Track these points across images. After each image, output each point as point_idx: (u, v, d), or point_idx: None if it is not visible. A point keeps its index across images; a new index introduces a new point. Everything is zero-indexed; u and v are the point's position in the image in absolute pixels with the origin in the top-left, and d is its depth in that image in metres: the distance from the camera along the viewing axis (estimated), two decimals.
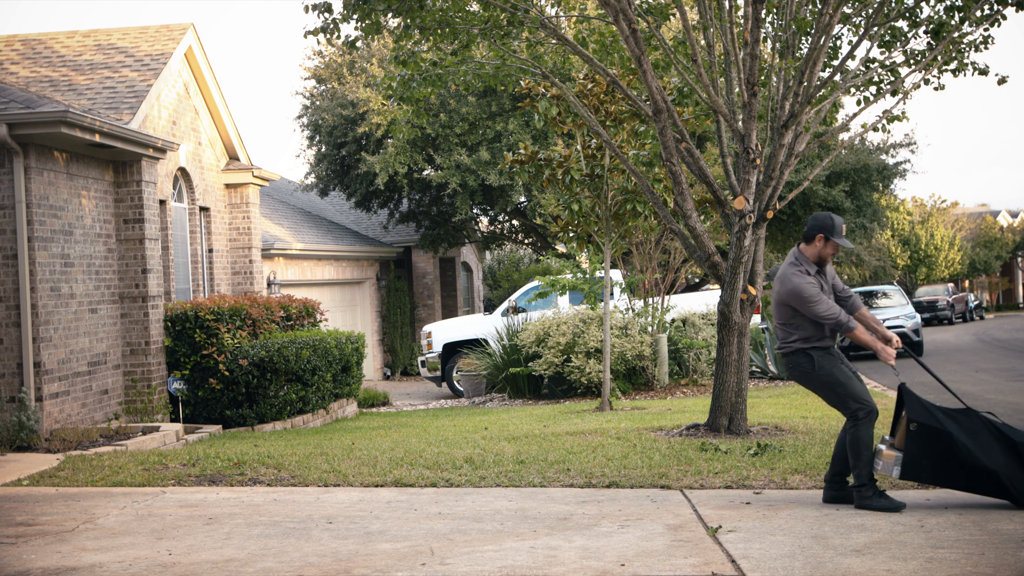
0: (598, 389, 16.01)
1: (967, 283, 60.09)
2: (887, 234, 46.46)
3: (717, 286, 17.85)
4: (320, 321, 16.76)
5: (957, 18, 10.27)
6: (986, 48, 10.73)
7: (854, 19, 10.69)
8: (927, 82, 10.77)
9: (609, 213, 13.86)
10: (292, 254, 22.05)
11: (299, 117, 27.59)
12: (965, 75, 10.77)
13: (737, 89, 9.96)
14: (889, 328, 24.28)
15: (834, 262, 38.16)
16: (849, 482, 6.72)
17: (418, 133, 17.13)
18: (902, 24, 10.59)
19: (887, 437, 6.73)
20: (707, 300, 19.60)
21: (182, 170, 15.49)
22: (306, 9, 9.83)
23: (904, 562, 5.27)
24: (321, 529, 6.34)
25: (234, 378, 13.58)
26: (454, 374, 20.02)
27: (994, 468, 6.40)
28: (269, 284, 19.98)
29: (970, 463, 6.44)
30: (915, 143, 28.23)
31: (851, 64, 10.46)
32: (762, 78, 10.55)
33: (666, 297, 18.19)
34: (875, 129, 10.95)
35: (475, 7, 10.51)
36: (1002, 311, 59.29)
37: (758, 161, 9.69)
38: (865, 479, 6.54)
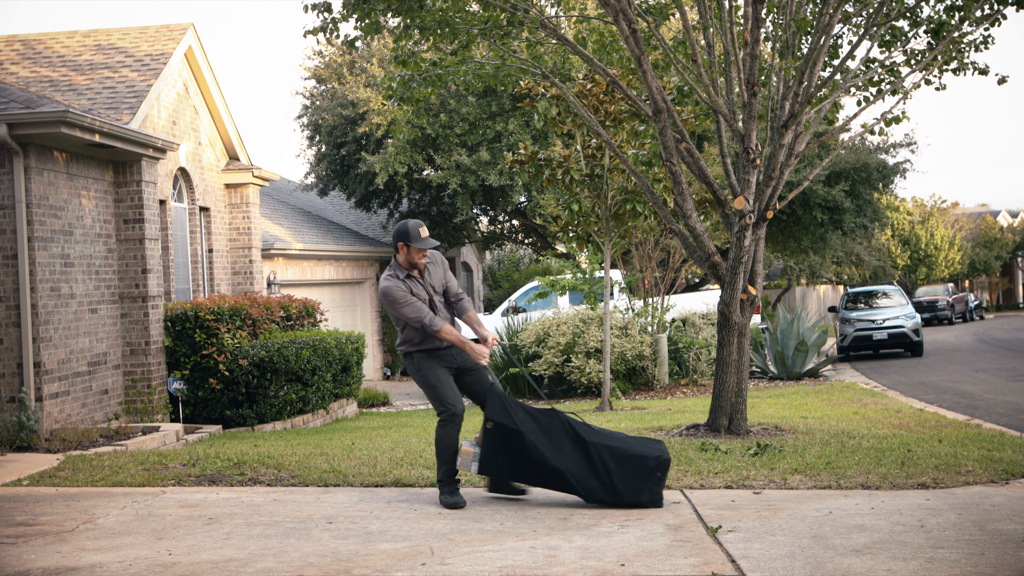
0: (598, 389, 16.00)
1: (967, 283, 60.10)
2: (887, 234, 46.46)
3: (717, 286, 17.86)
4: (320, 321, 16.75)
5: (957, 18, 10.26)
6: (986, 48, 10.72)
7: (854, 19, 10.69)
8: (927, 82, 10.77)
9: (609, 213, 13.86)
10: (292, 254, 22.04)
11: (299, 117, 27.60)
12: (965, 75, 10.77)
13: (737, 89, 9.96)
14: (889, 328, 24.70)
15: (835, 262, 38.15)
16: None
17: (418, 133, 17.13)
18: (902, 24, 10.59)
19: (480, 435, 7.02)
20: (707, 300, 19.60)
21: (182, 170, 15.49)
22: (305, 9, 9.83)
23: (904, 562, 5.26)
24: (321, 529, 6.34)
25: (234, 378, 13.58)
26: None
27: (561, 467, 6.74)
28: (269, 284, 19.98)
29: (540, 461, 6.76)
30: (915, 143, 28.27)
31: (851, 64, 10.46)
32: (762, 78, 10.54)
33: (666, 297, 18.19)
34: (873, 132, 10.94)
35: (475, 7, 10.50)
36: (1002, 311, 59.30)
37: (758, 161, 9.68)
38: (442, 476, 6.96)
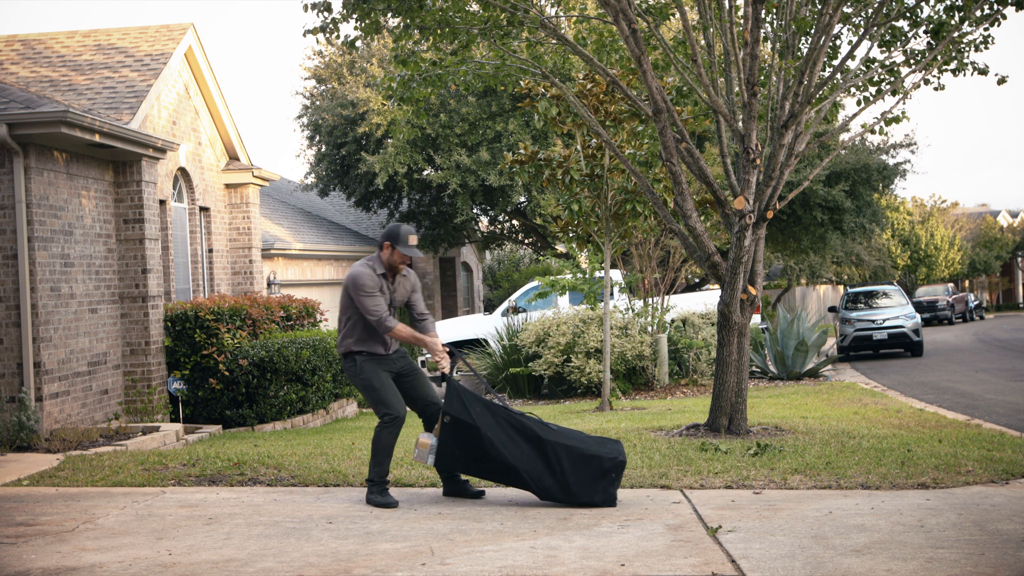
0: (598, 389, 16.00)
1: (967, 283, 60.10)
2: (887, 234, 46.45)
3: (717, 286, 17.86)
4: (320, 321, 16.76)
5: (957, 18, 10.26)
6: (986, 48, 10.72)
7: (854, 19, 10.68)
8: (927, 82, 10.76)
9: (609, 213, 13.86)
10: (292, 254, 22.05)
11: (299, 117, 27.60)
12: (965, 75, 10.77)
13: (737, 89, 9.96)
14: (889, 328, 24.73)
15: (835, 262, 38.14)
16: (461, 475, 7.21)
17: (418, 133, 17.11)
18: (902, 24, 10.58)
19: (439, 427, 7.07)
20: (707, 300, 19.60)
21: (182, 170, 15.49)
22: (305, 8, 9.83)
23: (904, 562, 5.26)
24: (321, 529, 6.34)
25: (234, 378, 13.58)
26: (454, 374, 20.01)
27: (517, 464, 6.79)
28: (269, 284, 19.98)
29: (496, 457, 6.81)
30: (915, 143, 28.25)
31: (851, 64, 10.46)
32: (762, 78, 10.54)
33: (666, 297, 18.19)
34: (873, 131, 10.94)
35: (475, 7, 10.50)
36: (1002, 311, 59.30)
37: (758, 161, 9.68)
38: (373, 477, 7.01)
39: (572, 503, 6.81)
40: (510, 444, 6.83)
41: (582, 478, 6.79)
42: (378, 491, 7.01)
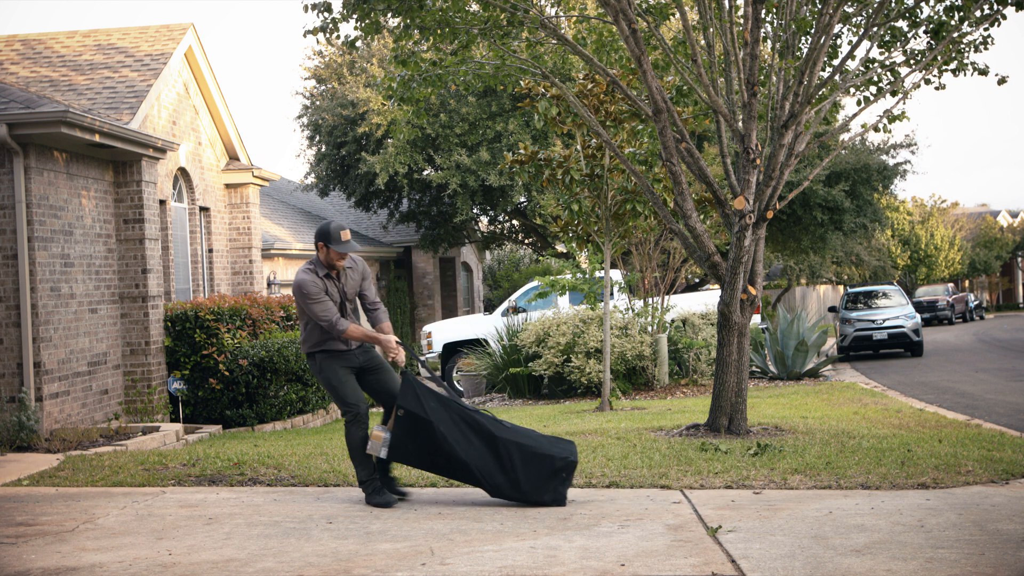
0: (598, 389, 16.00)
1: (967, 283, 60.10)
2: (887, 234, 46.46)
3: (717, 286, 17.85)
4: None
5: (957, 18, 10.25)
6: (986, 48, 10.71)
7: (854, 19, 10.68)
8: (927, 82, 10.76)
9: (609, 213, 13.86)
10: (292, 254, 22.04)
11: (299, 117, 27.60)
12: (965, 75, 10.76)
13: (737, 89, 9.96)
14: (889, 328, 24.70)
15: (835, 262, 38.15)
16: (394, 474, 7.31)
17: (418, 133, 17.12)
18: (902, 24, 10.58)
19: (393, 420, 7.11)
20: (707, 300, 19.59)
21: (182, 170, 15.49)
22: (305, 8, 9.82)
23: (904, 562, 5.26)
24: (321, 529, 6.34)
25: (234, 378, 13.58)
26: (454, 374, 20.01)
27: (467, 460, 6.84)
28: (269, 284, 19.98)
29: (448, 452, 6.85)
30: (915, 144, 28.23)
31: (851, 64, 10.46)
32: (762, 78, 10.54)
33: (666, 297, 18.19)
34: (876, 129, 10.94)
35: (475, 7, 10.50)
36: (1002, 311, 59.31)
37: (758, 161, 9.68)
38: (364, 477, 7.05)
39: (522, 501, 6.87)
40: (463, 440, 6.88)
41: (533, 477, 6.85)
42: (372, 490, 7.02)
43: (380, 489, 7.03)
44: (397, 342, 7.16)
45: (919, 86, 10.56)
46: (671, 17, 11.12)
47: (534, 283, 19.97)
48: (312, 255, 24.15)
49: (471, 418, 6.95)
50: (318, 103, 26.99)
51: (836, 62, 10.61)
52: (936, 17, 10.40)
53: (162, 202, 14.56)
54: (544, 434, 7.25)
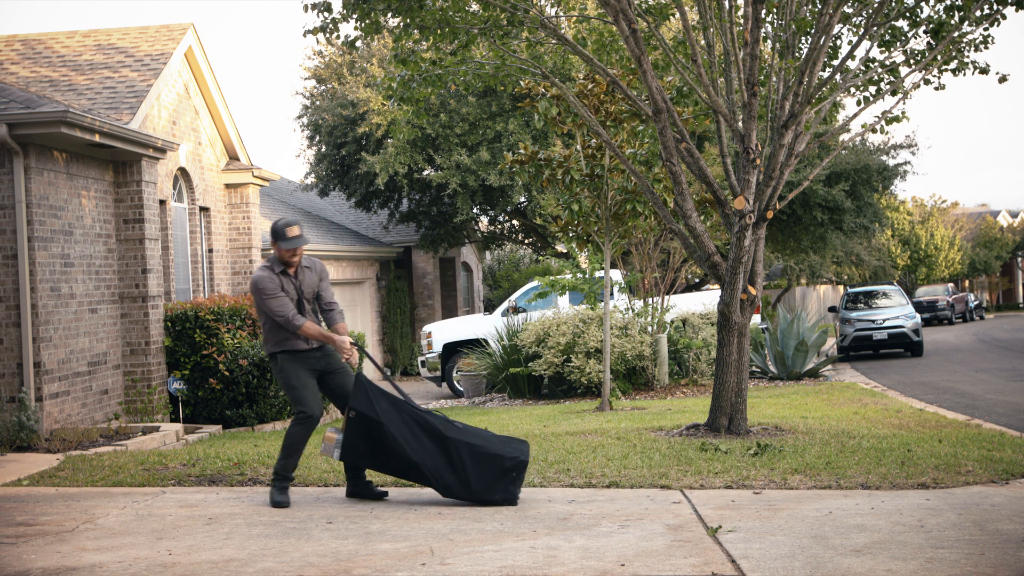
0: (598, 389, 16.00)
1: (967, 283, 60.10)
2: (887, 234, 46.46)
3: (717, 286, 17.86)
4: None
5: (957, 18, 10.25)
6: (986, 48, 10.71)
7: (854, 19, 10.68)
8: (927, 82, 10.76)
9: (609, 213, 13.85)
10: None
11: (299, 117, 27.59)
12: (965, 75, 10.75)
13: (737, 89, 9.96)
14: (889, 328, 24.71)
15: (835, 262, 38.15)
16: (366, 476, 7.33)
17: (418, 133, 17.11)
18: (902, 24, 10.58)
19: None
20: (707, 300, 19.59)
21: (182, 170, 15.49)
22: (305, 8, 9.83)
23: (904, 562, 5.26)
24: (321, 529, 6.34)
25: (234, 378, 13.58)
26: (454, 374, 20.01)
27: (417, 460, 6.93)
28: None
29: (399, 452, 6.94)
30: (915, 145, 28.22)
31: (851, 64, 10.46)
32: (762, 78, 10.54)
33: (666, 297, 18.18)
34: (874, 130, 10.94)
35: (475, 7, 10.50)
36: (1002, 311, 59.31)
37: (758, 161, 9.68)
38: (278, 469, 7.10)
39: (473, 500, 6.93)
40: (413, 441, 6.95)
41: (483, 476, 6.91)
42: (278, 486, 7.07)
43: (284, 489, 7.08)
44: (351, 343, 7.21)
45: (919, 86, 10.56)
46: (671, 17, 11.12)
47: (534, 283, 19.97)
48: (312, 255, 24.14)
49: (422, 419, 7.02)
50: (318, 103, 26.99)
51: (836, 62, 10.61)
52: (936, 17, 10.40)
53: (162, 202, 14.56)
54: (497, 434, 7.32)
